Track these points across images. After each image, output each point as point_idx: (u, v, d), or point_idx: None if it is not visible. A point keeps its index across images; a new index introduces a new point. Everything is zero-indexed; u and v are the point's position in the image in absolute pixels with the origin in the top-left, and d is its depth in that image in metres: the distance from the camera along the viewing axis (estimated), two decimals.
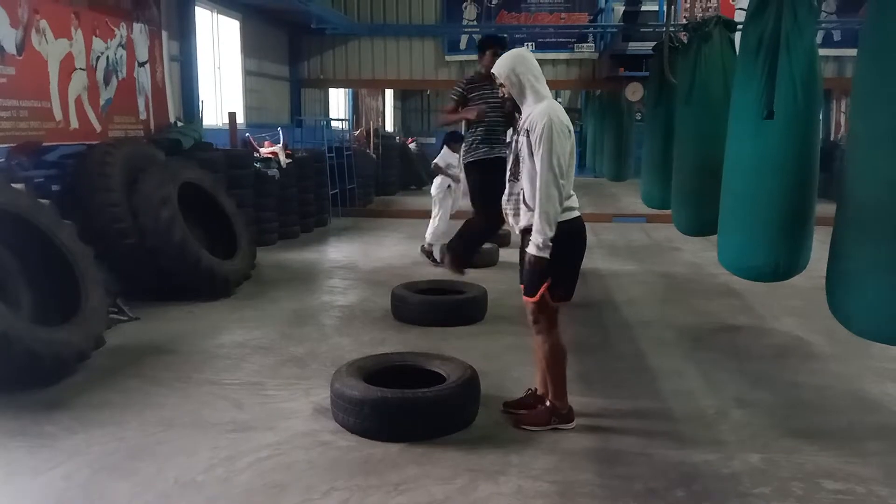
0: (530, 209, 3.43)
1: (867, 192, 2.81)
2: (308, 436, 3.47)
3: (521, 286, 3.59)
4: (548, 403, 3.62)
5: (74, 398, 3.91)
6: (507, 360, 4.63)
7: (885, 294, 2.72)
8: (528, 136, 3.39)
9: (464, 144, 5.76)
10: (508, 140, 3.80)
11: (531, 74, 3.46)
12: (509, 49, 3.73)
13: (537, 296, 3.46)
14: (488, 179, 5.32)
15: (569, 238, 3.44)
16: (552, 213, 3.32)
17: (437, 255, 7.77)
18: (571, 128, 3.48)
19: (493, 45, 5.74)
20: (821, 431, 3.60)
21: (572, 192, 3.48)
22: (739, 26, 4.99)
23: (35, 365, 3.94)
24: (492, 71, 3.62)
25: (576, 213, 3.49)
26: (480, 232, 5.86)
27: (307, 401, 3.90)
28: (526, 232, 3.47)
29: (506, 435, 3.51)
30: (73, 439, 3.39)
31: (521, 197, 3.49)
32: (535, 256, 3.37)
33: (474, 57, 13.54)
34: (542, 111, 3.36)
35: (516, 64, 3.47)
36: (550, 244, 3.33)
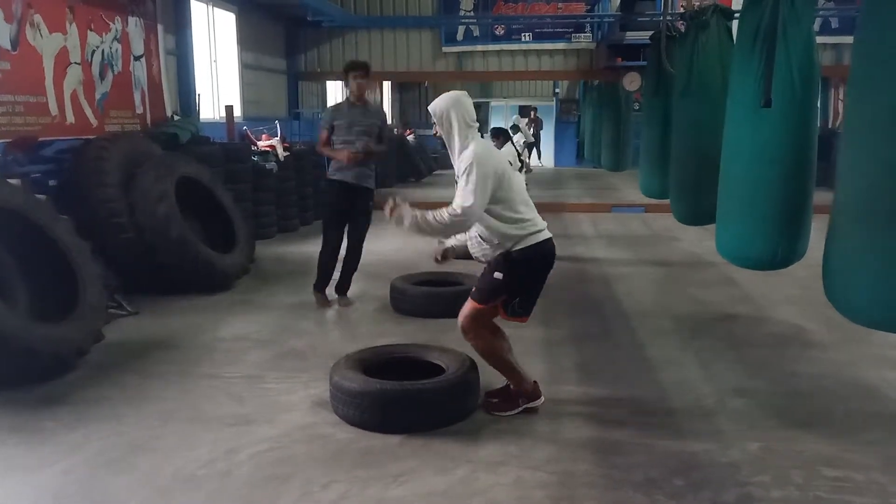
0: (490, 244, 3.57)
1: (862, 176, 2.80)
2: (308, 428, 3.47)
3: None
4: (512, 388, 3.71)
5: (73, 394, 3.91)
6: None
7: (880, 279, 2.72)
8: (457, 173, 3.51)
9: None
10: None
11: (463, 120, 3.53)
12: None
13: (486, 306, 3.56)
14: (342, 205, 5.63)
15: (539, 260, 3.56)
16: (445, 227, 3.45)
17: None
18: (505, 164, 3.59)
19: (358, 68, 5.63)
20: (819, 419, 3.61)
21: (533, 216, 3.56)
22: (737, 14, 4.96)
23: (33, 361, 3.94)
24: (429, 108, 3.67)
25: (545, 235, 3.58)
26: (325, 255, 5.77)
27: (307, 393, 3.90)
28: (490, 264, 3.61)
29: (505, 426, 3.51)
30: (72, 435, 3.39)
31: (479, 236, 3.63)
32: (406, 224, 3.49)
33: (472, 48, 13.63)
34: (468, 154, 3.46)
35: (452, 107, 3.54)
36: (420, 232, 3.51)
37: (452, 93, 3.62)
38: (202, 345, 4.80)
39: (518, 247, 3.49)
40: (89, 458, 3.17)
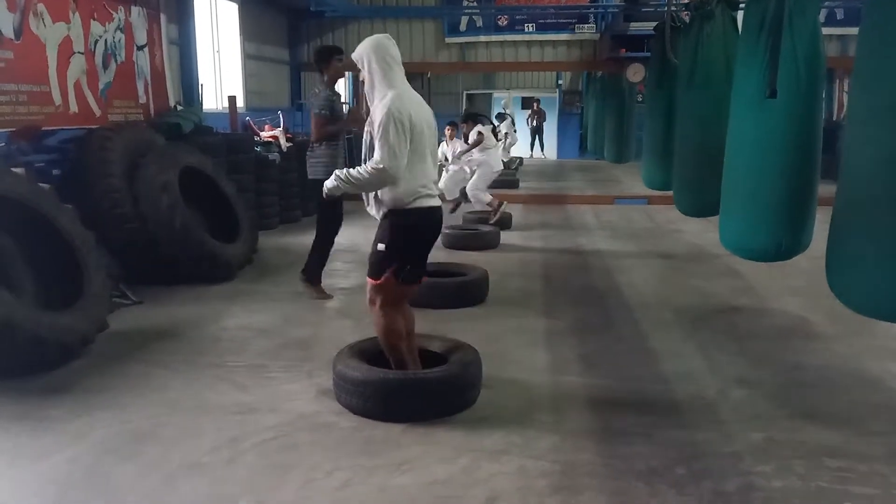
0: (378, 196, 3.53)
1: (865, 166, 2.79)
2: (311, 417, 3.49)
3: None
4: None
5: (78, 382, 3.93)
6: (508, 342, 4.64)
7: (883, 270, 2.72)
8: (372, 128, 3.45)
9: (308, 157, 5.68)
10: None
11: (385, 62, 3.46)
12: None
13: (381, 279, 3.54)
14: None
15: (421, 224, 3.53)
16: (368, 182, 3.42)
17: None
18: (424, 117, 3.50)
19: (336, 53, 5.65)
20: (822, 410, 3.61)
21: (426, 181, 3.51)
22: (742, 5, 4.94)
23: (38, 350, 3.95)
24: (352, 56, 3.60)
25: (432, 203, 3.54)
26: (322, 240, 5.81)
27: (310, 382, 3.92)
28: (383, 218, 3.55)
29: (508, 415, 3.52)
30: (77, 423, 3.41)
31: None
32: (326, 187, 3.58)
33: (475, 39, 13.57)
34: (384, 104, 3.39)
35: (373, 50, 3.47)
36: (336, 193, 3.58)
37: (373, 36, 3.55)
38: (206, 334, 4.82)
39: (399, 208, 3.46)
40: (94, 446, 3.19)
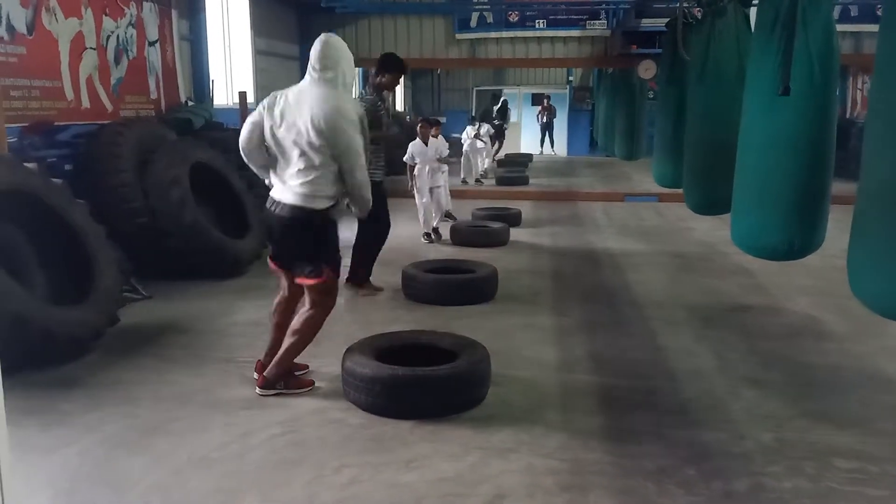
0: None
1: (888, 165, 2.76)
2: (320, 413, 3.49)
3: None
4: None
5: (89, 376, 3.95)
6: (517, 339, 4.63)
7: None
8: None
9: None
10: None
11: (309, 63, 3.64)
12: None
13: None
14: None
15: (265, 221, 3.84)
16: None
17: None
18: (296, 118, 3.51)
19: (402, 68, 5.71)
20: (834, 411, 3.59)
21: (275, 181, 3.75)
22: (755, 1, 4.90)
23: (50, 344, 3.97)
24: None
25: (269, 202, 3.75)
26: (372, 244, 5.94)
27: (319, 378, 3.92)
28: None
29: (516, 413, 3.52)
30: (88, 417, 3.43)
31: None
32: None
33: (485, 35, 13.56)
34: None
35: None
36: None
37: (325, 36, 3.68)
38: (216, 329, 4.83)
39: None
40: (104, 439, 3.21)
